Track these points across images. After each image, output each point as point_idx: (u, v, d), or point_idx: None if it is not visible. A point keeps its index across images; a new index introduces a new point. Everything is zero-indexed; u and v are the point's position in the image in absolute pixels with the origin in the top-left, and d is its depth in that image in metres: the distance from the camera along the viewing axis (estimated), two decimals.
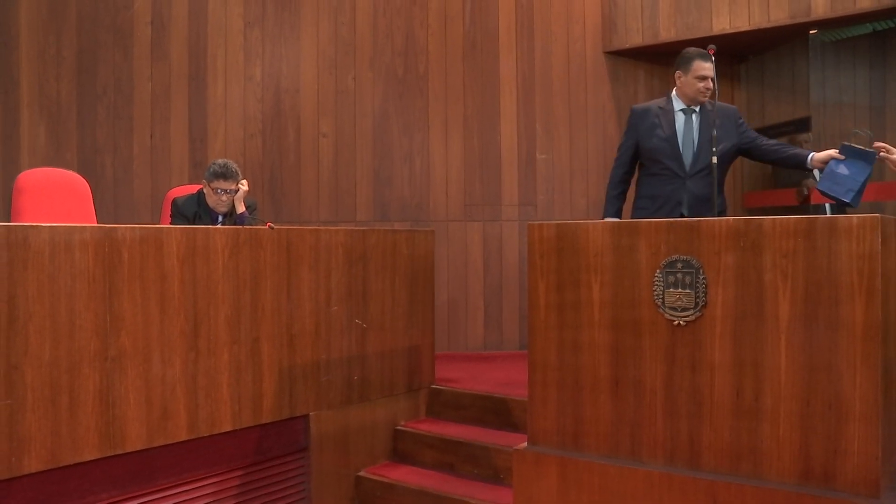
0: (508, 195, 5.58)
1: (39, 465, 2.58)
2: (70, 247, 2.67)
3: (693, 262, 2.39)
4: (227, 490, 3.25)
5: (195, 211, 3.83)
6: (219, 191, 3.77)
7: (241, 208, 3.82)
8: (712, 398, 2.36)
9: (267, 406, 3.34)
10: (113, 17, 5.29)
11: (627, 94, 5.72)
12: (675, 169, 3.44)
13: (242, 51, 5.40)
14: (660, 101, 3.57)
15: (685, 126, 3.47)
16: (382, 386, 3.96)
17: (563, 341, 2.65)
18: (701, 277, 2.38)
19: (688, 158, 3.44)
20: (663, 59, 5.61)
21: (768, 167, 5.35)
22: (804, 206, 5.02)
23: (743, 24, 5.07)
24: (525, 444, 2.74)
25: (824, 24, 4.92)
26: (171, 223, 3.86)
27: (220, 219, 3.86)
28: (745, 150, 3.52)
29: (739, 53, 5.70)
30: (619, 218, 3.58)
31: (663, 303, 2.44)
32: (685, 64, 3.45)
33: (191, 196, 3.89)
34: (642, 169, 3.60)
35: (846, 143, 3.21)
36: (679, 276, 2.41)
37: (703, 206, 3.39)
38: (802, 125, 5.14)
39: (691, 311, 2.40)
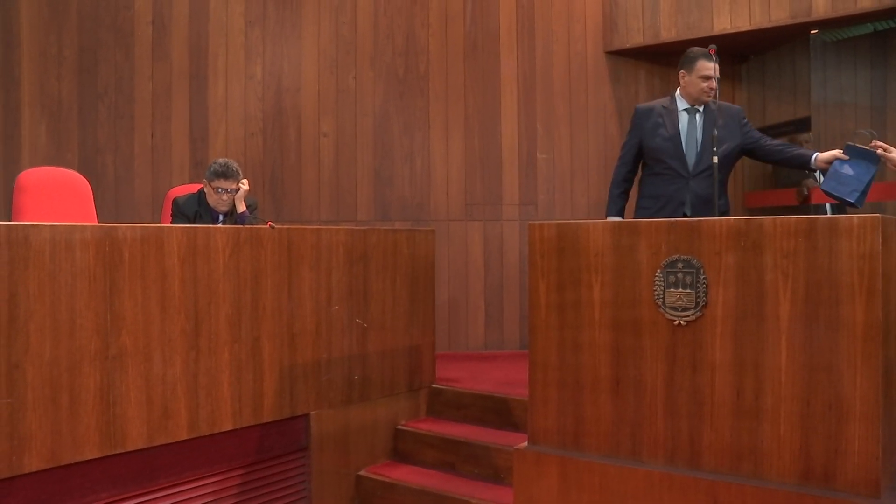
0: (509, 195, 5.58)
1: (40, 464, 2.58)
2: (71, 246, 2.67)
3: (694, 262, 2.39)
4: (228, 489, 3.25)
5: (196, 210, 3.83)
6: (219, 190, 3.77)
7: (241, 207, 3.83)
8: (713, 398, 2.36)
9: (267, 405, 3.34)
10: (114, 17, 5.30)
11: (628, 94, 5.72)
12: (678, 169, 3.44)
13: (243, 50, 5.40)
14: (663, 101, 3.57)
15: (689, 126, 3.47)
16: (383, 385, 3.96)
17: (563, 341, 2.65)
18: (701, 277, 2.38)
19: (691, 158, 3.44)
20: (664, 58, 5.61)
21: (769, 167, 5.35)
22: (804, 206, 5.02)
23: (744, 24, 5.07)
24: (525, 443, 2.74)
25: (825, 24, 4.92)
26: (171, 222, 3.86)
27: (221, 218, 3.86)
28: (749, 151, 3.52)
29: (740, 53, 5.69)
30: (622, 217, 3.58)
31: (664, 303, 2.44)
32: (689, 63, 3.44)
33: (191, 195, 3.89)
34: (645, 168, 3.60)
35: (850, 143, 3.21)
36: (680, 275, 2.41)
37: (707, 206, 3.39)
38: (803, 125, 5.13)
39: (692, 311, 2.40)
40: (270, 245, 3.38)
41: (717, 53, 3.35)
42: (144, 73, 5.31)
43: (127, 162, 5.30)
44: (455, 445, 3.77)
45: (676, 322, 2.42)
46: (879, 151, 3.09)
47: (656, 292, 2.45)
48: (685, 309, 2.40)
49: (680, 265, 2.41)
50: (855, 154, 3.16)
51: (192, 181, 5.15)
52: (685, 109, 3.49)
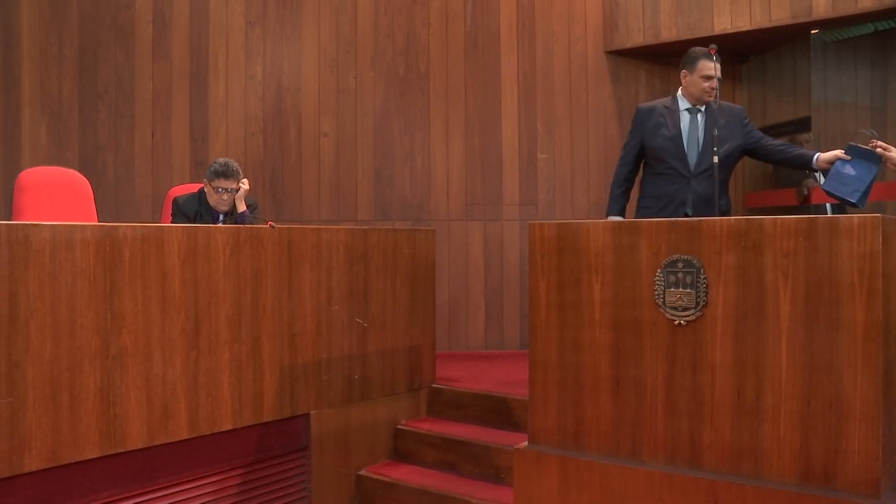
0: (509, 194, 5.58)
1: (40, 464, 2.58)
2: (71, 245, 2.67)
3: (694, 262, 2.39)
4: (228, 489, 3.25)
5: (196, 210, 3.83)
6: (220, 190, 3.77)
7: (241, 207, 3.83)
8: (713, 398, 2.36)
9: (268, 405, 3.34)
10: (114, 16, 5.30)
11: (629, 94, 5.72)
12: (679, 168, 3.44)
13: (244, 50, 5.40)
14: (665, 101, 3.57)
15: (690, 125, 3.47)
16: (383, 385, 3.96)
17: (563, 341, 2.65)
18: (702, 277, 2.38)
19: (692, 158, 3.44)
20: (664, 58, 5.61)
21: (769, 167, 5.35)
22: (804, 205, 5.02)
23: (744, 24, 5.07)
24: (526, 443, 2.74)
25: (826, 24, 4.92)
26: (172, 222, 3.86)
27: (221, 218, 3.86)
28: (751, 151, 3.52)
29: (741, 53, 5.69)
30: (623, 216, 3.58)
31: (664, 302, 2.44)
32: (691, 63, 3.44)
33: (192, 195, 3.89)
34: (647, 168, 3.60)
35: (852, 143, 3.20)
36: (680, 275, 2.41)
37: (708, 205, 3.38)
38: (803, 125, 5.13)
39: (692, 311, 2.40)
40: (271, 245, 3.38)
41: (718, 53, 3.35)
42: (145, 72, 5.31)
43: (127, 161, 5.30)
44: (455, 445, 3.77)
45: (677, 322, 2.42)
46: (879, 150, 3.08)
47: (656, 292, 2.45)
48: (685, 309, 2.40)
49: (680, 265, 2.41)
50: (857, 154, 3.16)
51: (192, 181, 5.16)
52: (687, 109, 3.49)
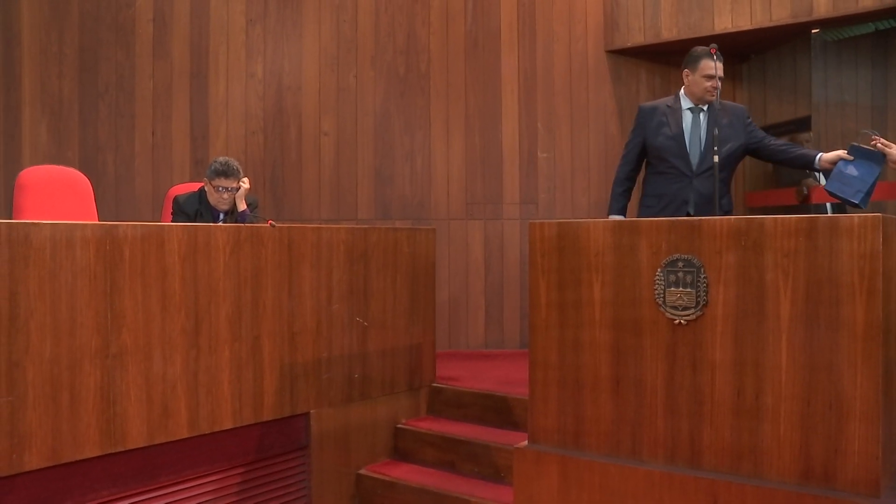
0: (510, 194, 5.58)
1: (41, 462, 2.58)
2: (71, 244, 2.67)
3: (694, 262, 2.39)
4: (228, 488, 3.25)
5: (196, 208, 3.83)
6: (220, 188, 3.77)
7: (242, 206, 3.82)
8: (713, 397, 2.36)
9: (268, 404, 3.34)
10: (115, 15, 5.30)
11: (629, 93, 5.71)
12: (681, 168, 3.44)
13: (244, 48, 5.40)
14: (668, 100, 3.57)
15: (692, 125, 3.47)
16: (383, 384, 3.96)
17: (563, 340, 2.65)
18: (702, 276, 2.38)
19: (695, 157, 3.44)
20: (665, 58, 5.60)
21: (769, 166, 5.35)
22: (805, 205, 5.02)
23: (745, 24, 5.07)
24: (526, 442, 2.74)
25: (826, 24, 4.91)
26: (172, 221, 3.86)
27: (222, 216, 3.86)
28: (753, 150, 3.51)
29: (741, 53, 5.69)
30: (624, 215, 3.58)
31: (664, 302, 2.44)
32: (693, 63, 3.44)
33: (192, 194, 3.89)
34: (649, 167, 3.60)
35: (855, 143, 3.19)
36: (680, 275, 2.41)
37: (710, 205, 3.38)
38: (804, 125, 5.13)
39: (692, 311, 2.40)
40: (271, 244, 3.38)
41: (719, 53, 3.35)
42: (145, 71, 5.31)
43: (127, 160, 5.30)
44: (455, 444, 3.77)
45: (677, 321, 2.42)
46: (879, 146, 3.08)
47: (657, 291, 2.45)
48: (685, 308, 2.40)
49: (680, 264, 2.41)
50: (859, 154, 3.15)
51: (192, 180, 5.16)
52: (689, 108, 3.49)
